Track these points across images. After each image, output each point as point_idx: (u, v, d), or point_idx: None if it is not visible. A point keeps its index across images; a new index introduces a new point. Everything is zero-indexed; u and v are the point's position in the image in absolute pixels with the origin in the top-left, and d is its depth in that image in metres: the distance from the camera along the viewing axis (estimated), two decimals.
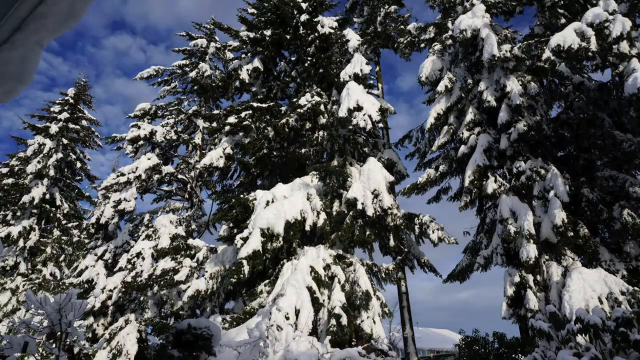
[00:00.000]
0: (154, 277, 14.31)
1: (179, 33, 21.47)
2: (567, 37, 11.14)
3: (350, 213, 12.53)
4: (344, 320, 10.30)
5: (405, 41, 17.87)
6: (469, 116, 14.32)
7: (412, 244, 14.46)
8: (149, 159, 17.47)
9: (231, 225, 14.09)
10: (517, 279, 11.93)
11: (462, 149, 14.25)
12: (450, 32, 15.80)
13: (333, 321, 10.31)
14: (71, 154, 25.46)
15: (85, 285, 16.28)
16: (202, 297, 12.90)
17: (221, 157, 15.90)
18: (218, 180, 18.24)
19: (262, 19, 17.06)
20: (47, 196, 23.67)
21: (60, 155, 24.29)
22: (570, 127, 14.37)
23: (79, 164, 25.85)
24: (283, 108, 15.82)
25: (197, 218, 18.27)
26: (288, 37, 16.84)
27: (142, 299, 15.33)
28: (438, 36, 17.00)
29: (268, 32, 17.00)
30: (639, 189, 12.05)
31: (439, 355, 31.67)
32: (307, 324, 9.70)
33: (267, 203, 12.20)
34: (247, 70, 17.17)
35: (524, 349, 9.82)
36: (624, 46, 10.87)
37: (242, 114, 15.48)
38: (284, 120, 14.28)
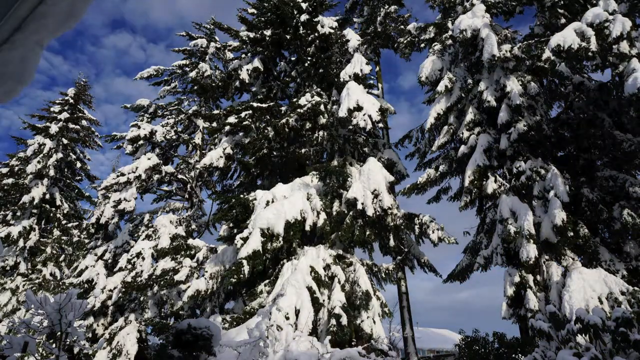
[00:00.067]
0: (154, 277, 14.31)
1: (179, 33, 21.49)
2: (567, 37, 11.14)
3: (350, 213, 12.53)
4: (344, 320, 10.30)
5: (405, 41, 17.87)
6: (469, 116, 14.32)
7: (412, 244, 14.46)
8: (149, 158, 17.47)
9: (231, 225, 14.09)
10: (517, 279, 11.93)
11: (462, 149, 14.25)
12: (450, 32, 15.80)
13: (333, 321, 10.31)
14: (71, 154, 25.47)
15: (85, 285, 16.27)
16: (202, 297, 12.90)
17: (221, 157, 15.90)
18: (218, 180, 18.25)
19: (262, 19, 17.06)
20: (47, 196, 23.67)
21: (60, 155, 24.29)
22: (570, 127, 14.37)
23: (79, 164, 25.85)
24: (283, 108, 15.82)
25: (197, 218, 18.27)
26: (288, 37, 16.84)
27: (142, 299, 15.33)
28: (438, 36, 17.00)
29: (268, 32, 17.00)
30: (639, 189, 12.05)
31: (439, 355, 31.67)
32: (307, 324, 9.70)
33: (267, 203, 12.20)
34: (247, 70, 17.18)
35: (524, 349, 9.83)
36: (624, 46, 10.87)
37: (242, 114, 15.48)
38: (284, 120, 14.28)
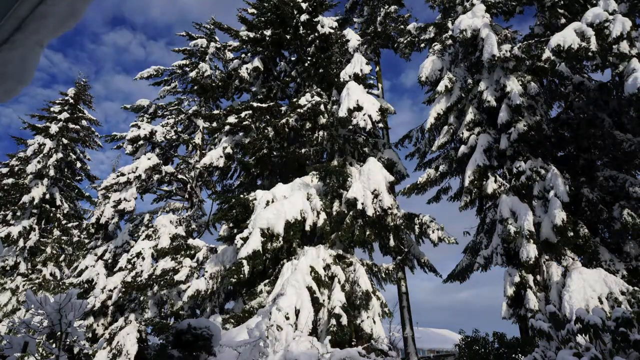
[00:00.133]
0: (154, 277, 14.31)
1: (179, 33, 21.50)
2: (567, 37, 11.14)
3: (350, 213, 12.53)
4: (344, 320, 10.30)
5: (405, 41, 17.88)
6: (469, 116, 14.32)
7: (412, 244, 14.46)
8: (149, 158, 17.48)
9: (231, 225, 14.09)
10: (517, 279, 11.93)
11: (462, 149, 14.25)
12: (450, 32, 15.80)
13: (333, 321, 10.31)
14: (71, 154, 25.47)
15: (85, 285, 16.27)
16: (202, 297, 12.91)
17: (221, 157, 15.90)
18: (218, 180, 18.25)
19: (262, 19, 17.05)
20: (47, 196, 23.67)
21: (60, 155, 24.29)
22: (570, 127, 14.37)
23: (79, 164, 25.86)
24: (283, 108, 15.81)
25: (197, 218, 18.26)
26: (288, 37, 16.84)
27: (142, 299, 15.32)
28: (438, 36, 17.01)
29: (268, 32, 17.00)
30: (639, 189, 12.05)
31: (439, 355, 31.67)
32: (307, 324, 9.70)
33: (267, 203, 12.20)
34: (247, 69, 17.19)
35: (524, 349, 9.82)
36: (624, 46, 10.87)
37: (242, 114, 15.48)
38: (284, 120, 14.28)
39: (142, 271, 15.07)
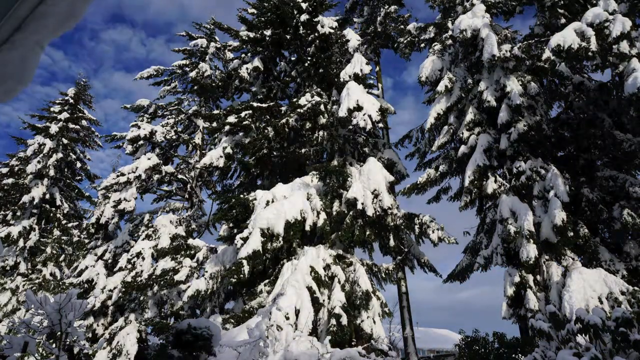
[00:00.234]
0: (154, 277, 14.31)
1: (179, 33, 21.51)
2: (567, 37, 11.14)
3: (350, 213, 12.53)
4: (344, 320, 10.30)
5: (405, 41, 17.87)
6: (469, 116, 14.32)
7: (412, 244, 14.46)
8: (149, 158, 17.48)
9: (231, 225, 14.09)
10: (517, 279, 11.93)
11: (462, 149, 14.25)
12: (450, 32, 15.80)
13: (333, 321, 10.31)
14: (71, 154, 25.48)
15: (85, 285, 16.27)
16: (202, 297, 12.90)
17: (221, 157, 15.90)
18: (218, 180, 18.24)
19: (262, 19, 17.05)
20: (47, 196, 23.67)
21: (60, 155, 24.30)
22: (570, 127, 14.37)
23: (79, 164, 25.87)
24: (283, 108, 15.82)
25: (197, 218, 18.27)
26: (288, 37, 16.84)
27: (142, 299, 15.32)
28: (438, 36, 17.01)
29: (268, 32, 17.00)
30: (639, 189, 12.05)
31: (439, 355, 31.68)
32: (307, 324, 9.69)
33: (267, 203, 12.20)
34: (247, 69, 17.19)
35: (524, 349, 9.83)
36: (624, 46, 10.87)
37: (242, 114, 15.48)
38: (284, 120, 14.28)
39: (142, 271, 15.07)
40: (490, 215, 13.98)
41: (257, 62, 16.98)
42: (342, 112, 13.10)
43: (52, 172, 23.78)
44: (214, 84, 19.85)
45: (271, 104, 16.03)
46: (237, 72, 17.72)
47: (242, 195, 13.60)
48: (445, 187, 16.36)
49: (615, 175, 12.87)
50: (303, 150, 14.78)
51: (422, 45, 17.68)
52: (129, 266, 15.51)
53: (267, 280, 12.42)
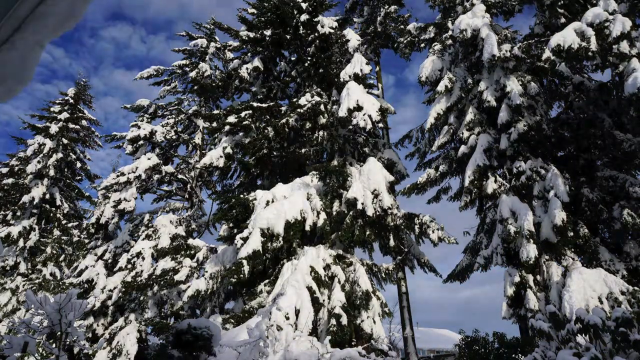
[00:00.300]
0: (154, 277, 14.31)
1: (179, 33, 21.51)
2: (567, 37, 11.14)
3: (350, 213, 12.53)
4: (344, 320, 10.30)
5: (405, 41, 17.87)
6: (469, 116, 14.32)
7: (412, 244, 14.46)
8: (149, 158, 17.48)
9: (231, 225, 14.09)
10: (517, 279, 11.93)
11: (462, 149, 14.25)
12: (450, 32, 15.80)
13: (333, 321, 10.31)
14: (71, 154, 25.48)
15: (85, 285, 16.27)
16: (202, 297, 12.90)
17: (221, 157, 15.89)
18: (218, 180, 18.24)
19: (262, 19, 17.05)
20: (47, 196, 23.67)
21: (60, 155, 24.29)
22: (570, 127, 14.37)
23: (79, 164, 25.87)
24: (283, 108, 15.81)
25: (197, 218, 18.27)
26: (288, 37, 16.84)
27: (142, 299, 15.32)
28: (438, 36, 17.01)
29: (268, 32, 17.00)
30: (639, 189, 12.05)
31: (439, 355, 31.68)
32: (307, 324, 9.69)
33: (267, 203, 12.20)
34: (247, 69, 17.19)
35: (524, 349, 9.83)
36: (624, 46, 10.87)
37: (242, 114, 15.48)
38: (284, 120, 14.27)
39: (142, 271, 15.07)
40: (490, 215, 13.98)
41: (257, 62, 16.98)
42: (342, 112, 13.10)
43: (52, 172, 23.78)
44: (214, 84, 19.84)
45: (271, 104, 16.03)
46: (237, 72, 17.71)
47: (242, 195, 13.59)
48: (445, 187, 16.37)
49: (615, 175, 12.87)
50: (303, 150, 14.78)
51: (422, 45, 17.68)
52: (129, 266, 15.51)
53: (267, 280, 12.42)
